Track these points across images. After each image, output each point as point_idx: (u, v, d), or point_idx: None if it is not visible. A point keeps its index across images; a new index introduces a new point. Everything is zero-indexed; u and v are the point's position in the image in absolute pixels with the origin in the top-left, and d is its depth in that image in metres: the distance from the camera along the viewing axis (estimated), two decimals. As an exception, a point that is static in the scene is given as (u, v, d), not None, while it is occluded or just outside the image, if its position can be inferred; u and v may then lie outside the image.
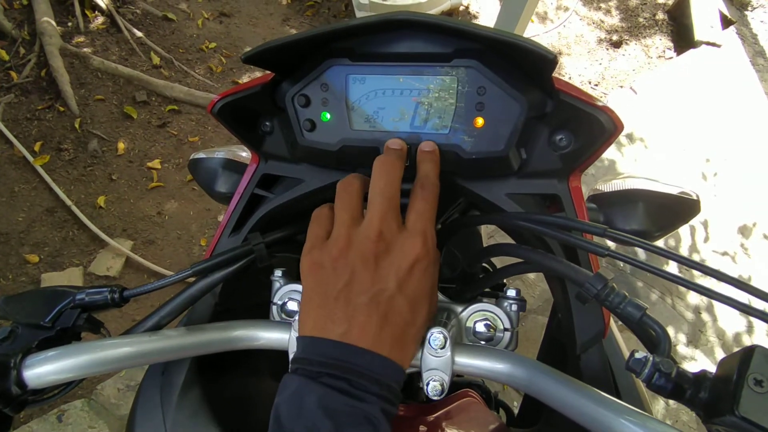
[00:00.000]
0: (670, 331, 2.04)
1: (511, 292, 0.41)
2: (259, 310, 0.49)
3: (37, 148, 2.10)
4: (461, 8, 3.05)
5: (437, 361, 0.35)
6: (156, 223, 2.06)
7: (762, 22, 3.47)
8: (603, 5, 3.37)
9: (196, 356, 0.46)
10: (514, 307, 0.41)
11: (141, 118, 2.30)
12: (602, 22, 3.28)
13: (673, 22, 3.34)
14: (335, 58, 0.41)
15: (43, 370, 0.34)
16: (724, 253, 2.42)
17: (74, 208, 1.97)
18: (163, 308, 0.43)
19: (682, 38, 3.24)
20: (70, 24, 2.47)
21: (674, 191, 0.57)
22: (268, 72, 0.44)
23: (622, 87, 2.95)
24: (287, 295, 0.45)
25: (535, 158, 0.42)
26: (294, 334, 0.39)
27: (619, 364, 0.44)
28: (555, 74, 0.38)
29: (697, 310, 2.19)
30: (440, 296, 0.43)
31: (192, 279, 0.44)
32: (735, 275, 0.29)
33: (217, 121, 0.46)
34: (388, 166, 0.36)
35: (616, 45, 3.18)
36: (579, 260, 0.41)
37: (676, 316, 2.16)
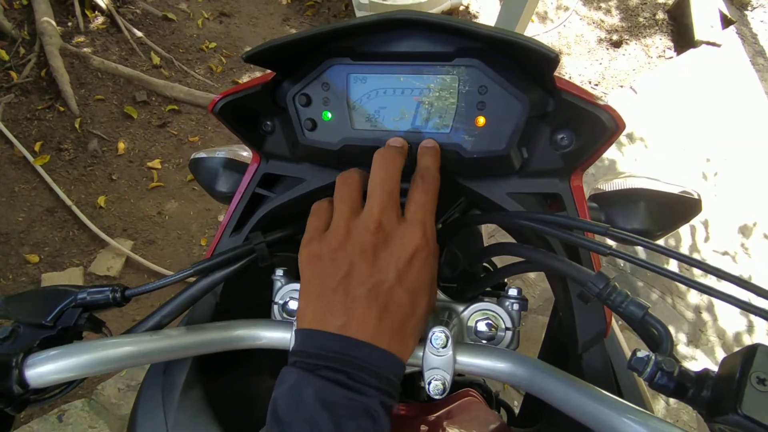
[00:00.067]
0: (671, 330, 2.02)
1: (513, 292, 0.41)
2: (260, 309, 0.49)
3: (37, 148, 2.10)
4: (461, 8, 3.04)
5: (439, 360, 0.35)
6: (156, 223, 2.06)
7: (762, 21, 3.47)
8: (603, 5, 3.37)
9: (198, 356, 0.46)
10: (516, 307, 0.41)
11: (141, 118, 2.30)
12: (602, 21, 3.28)
13: (673, 22, 3.34)
14: (336, 57, 0.41)
15: (44, 369, 0.34)
16: (725, 253, 2.42)
17: (74, 208, 1.97)
18: (165, 308, 0.43)
19: (682, 38, 3.24)
20: (70, 24, 2.47)
21: (676, 190, 0.57)
22: (268, 71, 0.44)
23: (622, 87, 2.95)
24: (288, 294, 0.45)
25: (537, 157, 0.42)
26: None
27: (620, 363, 0.44)
28: (555, 73, 0.38)
29: (697, 310, 2.19)
30: (442, 295, 0.43)
31: (193, 278, 0.43)
32: (735, 274, 0.29)
33: (218, 121, 0.46)
34: (388, 159, 0.36)
35: (616, 45, 3.17)
36: (580, 259, 0.41)
37: (676, 315, 2.16)
